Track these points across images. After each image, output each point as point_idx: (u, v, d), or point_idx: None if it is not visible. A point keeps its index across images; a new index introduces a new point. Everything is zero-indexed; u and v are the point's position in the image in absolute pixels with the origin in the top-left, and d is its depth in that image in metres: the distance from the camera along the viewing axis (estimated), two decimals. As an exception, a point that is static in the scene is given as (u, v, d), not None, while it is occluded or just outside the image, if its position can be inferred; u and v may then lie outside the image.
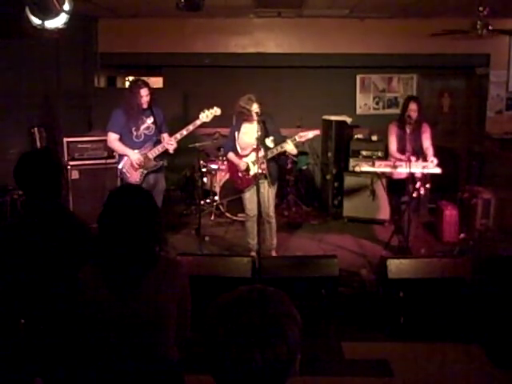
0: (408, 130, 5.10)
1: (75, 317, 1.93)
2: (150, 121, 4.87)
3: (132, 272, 1.88)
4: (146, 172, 4.89)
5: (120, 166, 4.92)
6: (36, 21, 3.55)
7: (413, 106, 5.03)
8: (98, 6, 6.28)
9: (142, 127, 4.86)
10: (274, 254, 5.08)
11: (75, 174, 6.03)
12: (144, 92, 4.72)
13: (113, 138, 4.86)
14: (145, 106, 4.76)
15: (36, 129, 5.70)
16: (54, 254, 2.20)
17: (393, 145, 5.23)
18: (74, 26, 3.89)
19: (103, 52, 7.46)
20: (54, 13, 3.54)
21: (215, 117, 4.91)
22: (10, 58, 5.27)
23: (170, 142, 4.82)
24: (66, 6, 3.59)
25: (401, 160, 4.99)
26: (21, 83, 5.53)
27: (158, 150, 4.86)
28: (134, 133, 4.84)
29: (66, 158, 6.03)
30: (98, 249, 1.93)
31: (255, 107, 4.70)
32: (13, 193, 4.97)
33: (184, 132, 4.84)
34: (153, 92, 4.84)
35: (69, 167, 6.01)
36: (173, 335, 1.94)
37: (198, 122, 4.86)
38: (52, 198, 2.29)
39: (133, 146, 4.84)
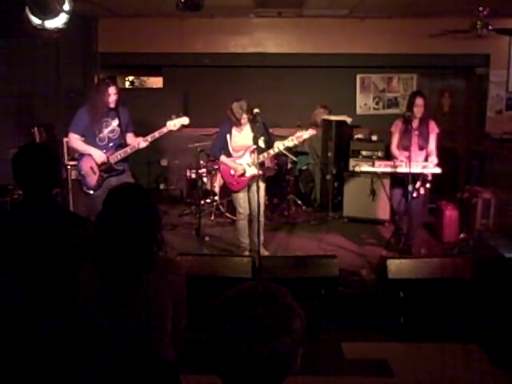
0: (414, 126, 5.06)
1: (72, 316, 1.93)
2: (115, 123, 4.65)
3: (130, 272, 1.88)
4: (105, 176, 4.62)
5: (79, 169, 4.65)
6: (36, 21, 3.56)
7: (419, 101, 5.01)
8: (98, 6, 6.28)
9: (107, 130, 4.63)
10: (263, 250, 4.98)
11: (75, 174, 6.03)
12: (112, 90, 4.51)
13: (73, 138, 4.60)
14: (112, 105, 4.55)
15: (36, 129, 5.69)
16: (51, 250, 2.19)
17: (393, 142, 5.24)
18: (74, 25, 3.89)
19: (103, 52, 7.45)
20: (54, 13, 3.54)
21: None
22: (10, 58, 5.26)
23: (142, 143, 4.61)
24: (66, 6, 3.59)
25: (399, 159, 5.00)
26: (21, 83, 5.53)
27: (120, 155, 4.60)
28: (99, 135, 4.59)
29: (65, 158, 6.03)
30: (96, 248, 1.93)
31: (244, 117, 4.79)
32: (13, 193, 4.96)
33: (149, 139, 4.63)
34: (120, 91, 4.64)
35: (68, 167, 6.01)
36: (169, 335, 1.94)
37: (164, 130, 4.66)
38: (46, 192, 2.28)
39: (96, 148, 4.60)
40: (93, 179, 4.60)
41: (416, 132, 5.02)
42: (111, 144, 4.65)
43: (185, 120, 4.73)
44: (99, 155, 4.56)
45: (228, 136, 4.99)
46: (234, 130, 4.98)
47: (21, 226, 2.23)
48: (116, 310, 1.85)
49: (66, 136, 6.01)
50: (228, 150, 5.02)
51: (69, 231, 2.26)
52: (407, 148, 4.97)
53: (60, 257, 2.19)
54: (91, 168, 4.60)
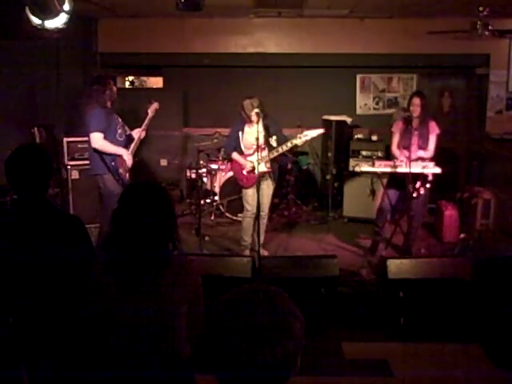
0: (414, 126, 5.06)
1: (85, 314, 1.92)
2: (119, 118, 4.81)
3: (145, 272, 1.86)
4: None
5: (116, 167, 4.68)
6: (36, 21, 3.55)
7: (416, 101, 5.02)
8: (98, 6, 6.28)
9: (118, 126, 4.74)
10: (262, 250, 4.98)
11: (75, 174, 6.03)
12: (112, 83, 4.72)
13: (100, 138, 4.53)
14: (114, 97, 4.70)
15: (36, 129, 5.70)
16: (46, 249, 2.18)
17: (394, 142, 5.25)
18: (74, 25, 3.89)
19: (103, 52, 7.45)
20: (53, 13, 3.54)
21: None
22: (10, 58, 5.26)
23: (142, 133, 4.92)
24: (66, 6, 3.59)
25: (399, 159, 5.01)
26: (21, 83, 5.52)
27: (134, 148, 4.85)
28: (118, 131, 4.69)
29: (65, 158, 6.03)
30: (111, 246, 1.90)
31: (253, 113, 4.81)
32: (13, 193, 4.95)
33: (144, 127, 4.92)
34: None
35: (69, 167, 6.01)
36: (184, 334, 1.93)
37: (149, 117, 4.95)
38: (38, 194, 2.26)
39: (118, 145, 4.69)
40: (126, 175, 4.74)
41: (416, 132, 5.03)
42: (126, 139, 4.80)
43: (156, 104, 5.00)
44: (130, 158, 4.73)
45: (240, 133, 5.06)
46: (246, 128, 5.04)
47: (15, 229, 2.22)
48: (131, 309, 1.84)
49: (66, 136, 6.05)
50: (240, 147, 5.09)
51: (63, 232, 2.24)
52: (407, 148, 4.98)
53: (56, 259, 2.18)
54: (122, 165, 4.70)
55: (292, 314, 1.13)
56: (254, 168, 5.00)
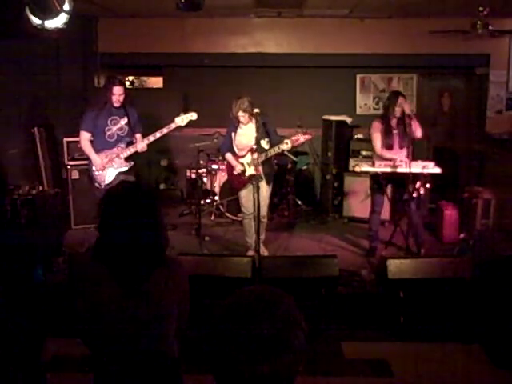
0: (394, 125, 5.09)
1: (75, 312, 1.92)
2: (123, 121, 4.83)
3: (138, 270, 1.86)
4: (117, 172, 4.86)
5: (90, 166, 4.89)
6: (36, 21, 3.56)
7: (402, 101, 5.01)
8: (98, 6, 6.28)
9: (115, 127, 4.82)
10: (263, 249, 4.97)
11: (75, 174, 6.03)
12: (117, 90, 4.69)
13: (84, 138, 4.84)
14: (116, 104, 4.74)
15: (36, 129, 5.70)
16: None
17: (377, 141, 5.16)
18: (74, 25, 3.90)
19: (103, 52, 7.45)
20: (54, 13, 3.55)
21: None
22: (10, 58, 5.26)
23: (142, 144, 4.84)
24: (66, 6, 3.59)
25: (390, 159, 5.00)
26: (21, 83, 5.53)
27: (130, 150, 4.87)
28: (107, 132, 4.80)
29: (65, 158, 6.03)
30: (101, 247, 1.90)
31: (241, 114, 4.83)
32: (13, 193, 4.96)
33: (157, 134, 4.85)
34: (128, 92, 4.88)
35: (69, 167, 6.02)
36: (173, 333, 1.94)
37: (172, 126, 4.87)
38: None
39: (106, 145, 4.81)
40: (102, 176, 4.83)
41: (395, 132, 5.05)
42: (120, 141, 4.86)
43: (192, 115, 4.97)
44: (98, 163, 4.79)
45: (233, 134, 5.05)
46: (239, 129, 5.02)
47: None
48: (121, 307, 1.84)
49: (66, 136, 6.06)
50: (233, 149, 5.08)
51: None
52: (390, 147, 5.02)
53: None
54: (95, 167, 4.84)
55: (295, 324, 1.09)
56: (243, 170, 5.00)
